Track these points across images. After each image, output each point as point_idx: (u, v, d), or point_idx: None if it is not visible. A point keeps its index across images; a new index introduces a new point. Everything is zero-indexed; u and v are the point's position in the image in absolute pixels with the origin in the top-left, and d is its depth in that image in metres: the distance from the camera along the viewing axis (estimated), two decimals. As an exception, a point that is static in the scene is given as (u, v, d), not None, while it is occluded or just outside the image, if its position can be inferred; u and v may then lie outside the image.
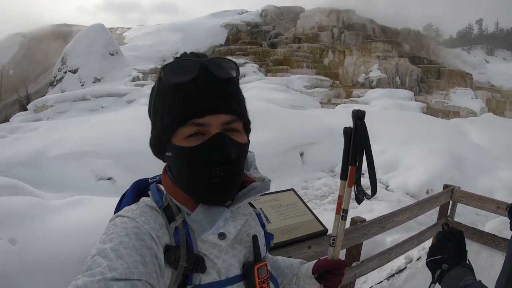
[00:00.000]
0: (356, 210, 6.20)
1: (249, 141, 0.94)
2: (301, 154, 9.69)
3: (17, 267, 3.09)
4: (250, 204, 1.11)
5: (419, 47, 42.29)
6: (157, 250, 0.77)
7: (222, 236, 0.84)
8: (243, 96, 0.94)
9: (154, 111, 0.91)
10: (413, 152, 8.74)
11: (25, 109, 25.91)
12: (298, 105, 19.86)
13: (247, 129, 0.96)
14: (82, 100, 23.78)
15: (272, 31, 41.71)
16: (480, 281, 1.20)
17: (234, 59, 0.93)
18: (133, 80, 28.35)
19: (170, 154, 0.88)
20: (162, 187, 0.94)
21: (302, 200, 2.78)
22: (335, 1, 43.44)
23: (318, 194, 7.71)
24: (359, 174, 1.13)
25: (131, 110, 14.82)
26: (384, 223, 2.99)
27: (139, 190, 0.98)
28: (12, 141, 11.29)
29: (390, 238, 4.56)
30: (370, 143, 1.13)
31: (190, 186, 0.87)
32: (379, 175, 8.70)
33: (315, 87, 27.32)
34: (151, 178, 1.02)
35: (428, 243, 4.49)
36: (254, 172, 1.05)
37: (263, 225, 1.10)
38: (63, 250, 2.67)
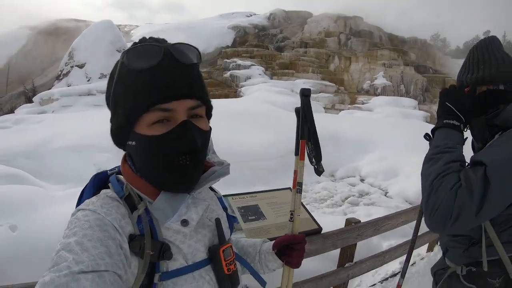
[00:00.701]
0: (354, 214, 6.23)
1: (211, 128, 0.95)
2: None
3: (15, 253, 3.15)
4: (211, 188, 1.11)
5: (425, 56, 42.29)
6: (121, 240, 0.77)
7: (185, 222, 0.84)
8: (204, 81, 0.94)
9: (115, 99, 0.88)
10: (413, 160, 8.66)
11: (31, 102, 26.05)
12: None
13: (209, 114, 0.96)
14: (88, 95, 23.95)
15: (279, 35, 41.87)
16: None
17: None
18: (139, 77, 28.45)
19: (133, 143, 0.86)
20: (122, 177, 0.92)
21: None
22: (343, 8, 43.63)
23: (317, 197, 7.73)
24: (315, 147, 1.20)
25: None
26: (379, 225, 3.02)
27: (99, 183, 0.96)
28: (16, 132, 11.31)
29: (386, 243, 4.58)
30: (314, 118, 1.19)
31: (154, 175, 0.86)
32: (379, 181, 8.72)
33: (319, 92, 27.38)
34: (110, 170, 1.00)
35: (423, 250, 4.52)
36: (212, 157, 1.05)
37: (225, 208, 1.11)
38: (60, 238, 2.71)
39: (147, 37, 0.91)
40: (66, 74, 29.54)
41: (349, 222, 2.86)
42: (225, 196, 2.44)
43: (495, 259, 1.44)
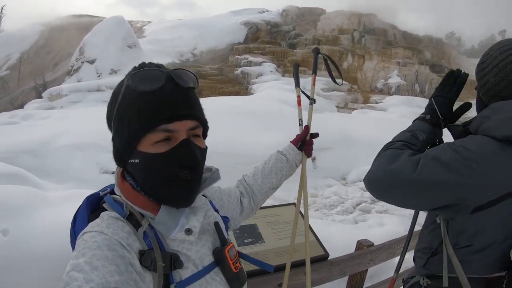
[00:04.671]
0: (365, 224, 5.87)
1: (206, 146, 0.99)
2: (313, 159, 9.34)
3: (6, 258, 2.92)
4: None
5: (440, 55, 41.25)
6: (130, 257, 0.79)
7: (188, 231, 0.90)
8: (201, 104, 0.99)
9: (119, 118, 0.91)
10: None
11: (41, 97, 26.14)
12: (314, 107, 19.38)
13: (205, 135, 1.01)
14: (97, 91, 23.85)
15: (292, 32, 41.38)
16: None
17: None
18: (149, 74, 28.37)
19: (136, 161, 0.89)
20: (118, 197, 0.94)
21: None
22: (357, 5, 42.79)
23: (327, 203, 7.36)
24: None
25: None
26: (394, 248, 2.64)
27: (91, 206, 0.97)
28: (23, 128, 11.30)
29: (396, 258, 4.21)
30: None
31: (158, 191, 0.89)
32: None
33: (332, 91, 26.93)
34: (101, 191, 1.01)
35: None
36: None
37: (216, 210, 1.14)
38: (55, 244, 2.53)
39: (146, 62, 0.95)
40: (77, 70, 29.47)
41: (360, 245, 2.50)
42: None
43: (454, 277, 1.31)
